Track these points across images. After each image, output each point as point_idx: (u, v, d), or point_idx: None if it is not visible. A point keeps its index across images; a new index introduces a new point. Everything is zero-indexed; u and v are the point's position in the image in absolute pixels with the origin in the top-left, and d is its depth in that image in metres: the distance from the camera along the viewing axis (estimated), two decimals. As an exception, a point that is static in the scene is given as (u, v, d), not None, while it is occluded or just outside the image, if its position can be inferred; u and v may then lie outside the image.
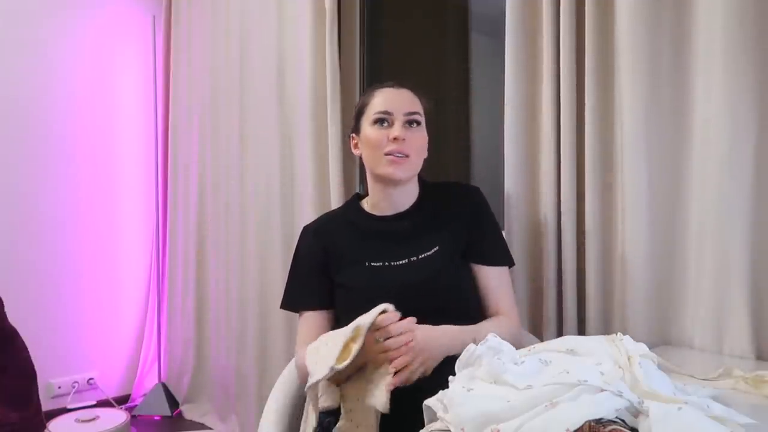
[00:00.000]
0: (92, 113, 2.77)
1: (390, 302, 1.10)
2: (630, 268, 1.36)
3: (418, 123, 1.29)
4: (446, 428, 0.74)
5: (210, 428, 2.61)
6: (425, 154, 1.34)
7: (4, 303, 1.37)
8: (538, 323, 1.54)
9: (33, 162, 2.59)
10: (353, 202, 1.43)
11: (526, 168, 1.56)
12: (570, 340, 0.90)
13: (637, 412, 0.70)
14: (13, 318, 1.38)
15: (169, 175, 2.86)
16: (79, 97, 2.72)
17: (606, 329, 1.40)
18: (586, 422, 0.66)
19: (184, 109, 2.78)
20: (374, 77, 2.25)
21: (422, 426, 0.83)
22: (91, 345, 2.78)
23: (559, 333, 1.48)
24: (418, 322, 1.13)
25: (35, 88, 2.60)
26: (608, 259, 1.42)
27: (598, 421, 0.66)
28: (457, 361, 0.91)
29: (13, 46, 2.53)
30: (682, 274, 1.32)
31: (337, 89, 2.05)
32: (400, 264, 1.26)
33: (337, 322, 1.27)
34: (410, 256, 1.26)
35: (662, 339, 1.35)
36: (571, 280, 1.45)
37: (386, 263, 1.27)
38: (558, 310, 1.49)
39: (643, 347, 0.86)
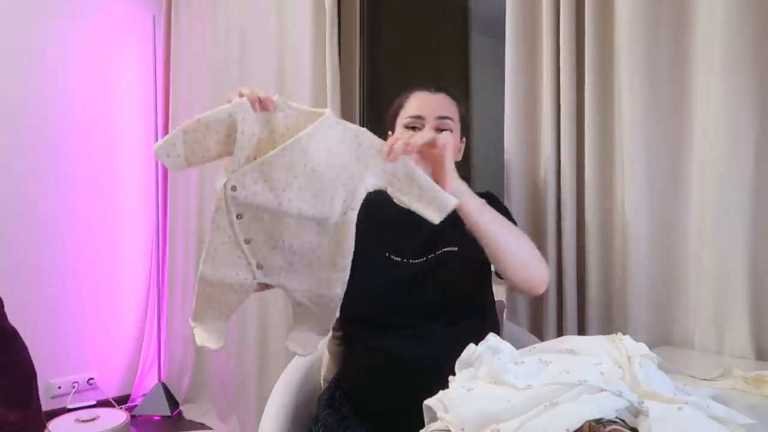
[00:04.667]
0: (92, 113, 2.77)
1: (405, 291, 1.09)
2: (630, 268, 1.36)
3: (450, 131, 1.27)
4: (446, 428, 0.74)
5: (210, 428, 2.60)
6: (456, 159, 1.30)
7: (4, 303, 1.36)
8: (538, 323, 1.54)
9: (33, 162, 2.59)
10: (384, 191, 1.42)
11: (527, 167, 1.56)
12: (570, 340, 0.89)
13: (637, 412, 0.70)
14: (13, 318, 1.37)
15: (169, 175, 2.86)
16: (78, 97, 2.72)
17: (606, 329, 1.40)
18: (586, 422, 0.66)
19: (184, 109, 2.78)
20: (374, 77, 2.25)
21: (422, 426, 0.83)
22: (91, 345, 2.78)
23: (559, 333, 1.48)
24: (429, 316, 1.13)
25: (35, 88, 2.60)
26: (609, 259, 1.42)
27: (598, 421, 0.66)
28: (458, 361, 0.91)
29: (12, 45, 2.53)
30: (682, 274, 1.32)
31: (337, 89, 2.05)
32: (418, 262, 1.24)
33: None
34: (428, 254, 1.24)
35: (663, 339, 1.35)
36: (571, 281, 1.45)
37: (405, 260, 1.24)
38: (558, 310, 1.49)
39: (643, 347, 0.86)
